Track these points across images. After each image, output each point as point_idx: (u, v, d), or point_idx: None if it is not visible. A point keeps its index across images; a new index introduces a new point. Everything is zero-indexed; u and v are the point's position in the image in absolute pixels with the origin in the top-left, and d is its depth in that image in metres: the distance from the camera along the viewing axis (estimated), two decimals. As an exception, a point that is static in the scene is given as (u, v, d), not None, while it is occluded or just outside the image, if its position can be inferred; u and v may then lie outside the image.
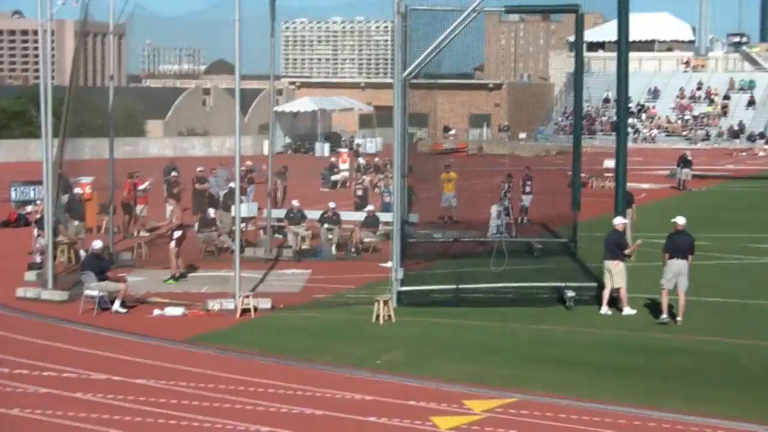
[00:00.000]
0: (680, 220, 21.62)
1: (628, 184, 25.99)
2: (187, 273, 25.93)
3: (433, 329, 20.26)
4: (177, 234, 26.10)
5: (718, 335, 19.83)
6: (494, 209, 30.49)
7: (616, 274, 21.21)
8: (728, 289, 24.48)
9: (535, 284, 23.35)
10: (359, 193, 36.38)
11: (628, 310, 21.15)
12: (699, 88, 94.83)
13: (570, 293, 22.03)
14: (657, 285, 20.83)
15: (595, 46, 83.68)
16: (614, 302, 21.38)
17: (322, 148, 70.71)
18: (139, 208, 32.69)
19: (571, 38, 49.57)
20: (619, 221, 22.02)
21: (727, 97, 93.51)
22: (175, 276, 25.27)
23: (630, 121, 54.86)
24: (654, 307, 21.18)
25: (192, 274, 26.02)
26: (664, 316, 20.46)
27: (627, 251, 21.95)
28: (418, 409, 14.63)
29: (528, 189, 35.67)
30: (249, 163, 39.79)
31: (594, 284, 22.05)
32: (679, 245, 20.96)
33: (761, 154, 76.95)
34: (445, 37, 23.05)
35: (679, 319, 20.47)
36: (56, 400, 14.92)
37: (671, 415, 14.31)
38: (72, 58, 28.84)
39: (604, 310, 21.18)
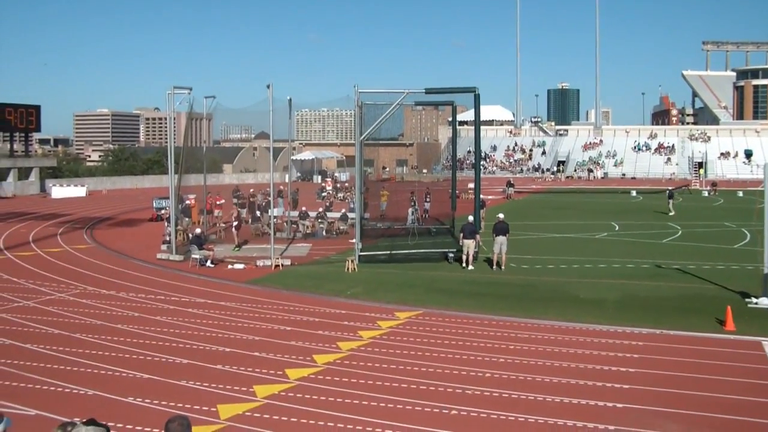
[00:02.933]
0: (500, 215, 24.33)
1: (482, 196, 27.96)
2: (244, 245, 27.75)
3: (378, 275, 22.08)
4: (235, 223, 28.55)
5: (526, 275, 22.03)
6: (410, 210, 32.76)
7: (469, 246, 23.20)
8: (532, 251, 26.80)
9: (431, 250, 25.43)
10: (327, 204, 38.75)
11: (471, 267, 23.05)
12: (516, 145, 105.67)
13: (450, 255, 24.50)
14: (491, 251, 23.52)
15: (462, 123, 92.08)
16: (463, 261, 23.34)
17: (317, 178, 77.31)
18: (217, 212, 34.31)
19: (450, 119, 54.60)
20: (470, 218, 24.10)
21: (531, 150, 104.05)
22: (238, 246, 27.40)
23: (482, 162, 62.35)
24: (490, 263, 23.46)
25: (247, 246, 27.91)
26: (495, 267, 22.94)
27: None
28: (370, 318, 16.37)
29: (428, 199, 38.17)
30: (281, 187, 42.13)
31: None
32: (500, 229, 23.19)
33: (548, 179, 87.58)
34: (382, 118, 25.38)
35: (503, 268, 22.80)
36: (179, 313, 16.93)
37: (501, 317, 16.40)
38: (184, 131, 29.70)
39: (464, 266, 23.08)
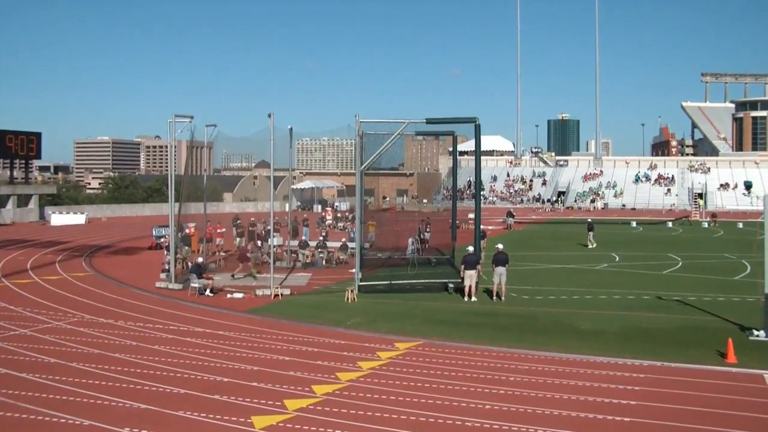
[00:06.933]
0: (500, 246, 24.32)
1: (482, 226, 27.29)
2: (244, 275, 27.49)
3: (378, 305, 21.99)
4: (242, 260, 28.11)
5: (526, 306, 22.01)
6: (410, 240, 32.57)
7: (471, 277, 23.02)
8: (532, 281, 26.80)
9: (431, 280, 25.24)
10: (323, 233, 37.81)
11: (473, 299, 22.90)
12: (514, 176, 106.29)
13: (450, 285, 24.40)
14: (491, 282, 23.56)
15: (462, 153, 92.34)
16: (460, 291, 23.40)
17: (317, 208, 77.02)
18: (218, 240, 34.21)
19: (450, 149, 54.67)
20: (470, 248, 23.85)
21: (531, 181, 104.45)
22: (236, 276, 27.18)
23: (482, 193, 62.30)
24: (489, 294, 23.49)
25: (246, 275, 27.56)
26: (494, 298, 22.96)
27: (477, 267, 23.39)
28: (369, 348, 16.34)
29: (428, 229, 37.81)
30: (276, 218, 41.40)
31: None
32: (500, 259, 23.20)
33: (548, 210, 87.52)
34: (383, 148, 25.18)
35: (503, 299, 22.86)
36: (178, 343, 16.91)
37: (502, 349, 16.37)
38: (185, 160, 29.58)
39: (467, 299, 22.86)
